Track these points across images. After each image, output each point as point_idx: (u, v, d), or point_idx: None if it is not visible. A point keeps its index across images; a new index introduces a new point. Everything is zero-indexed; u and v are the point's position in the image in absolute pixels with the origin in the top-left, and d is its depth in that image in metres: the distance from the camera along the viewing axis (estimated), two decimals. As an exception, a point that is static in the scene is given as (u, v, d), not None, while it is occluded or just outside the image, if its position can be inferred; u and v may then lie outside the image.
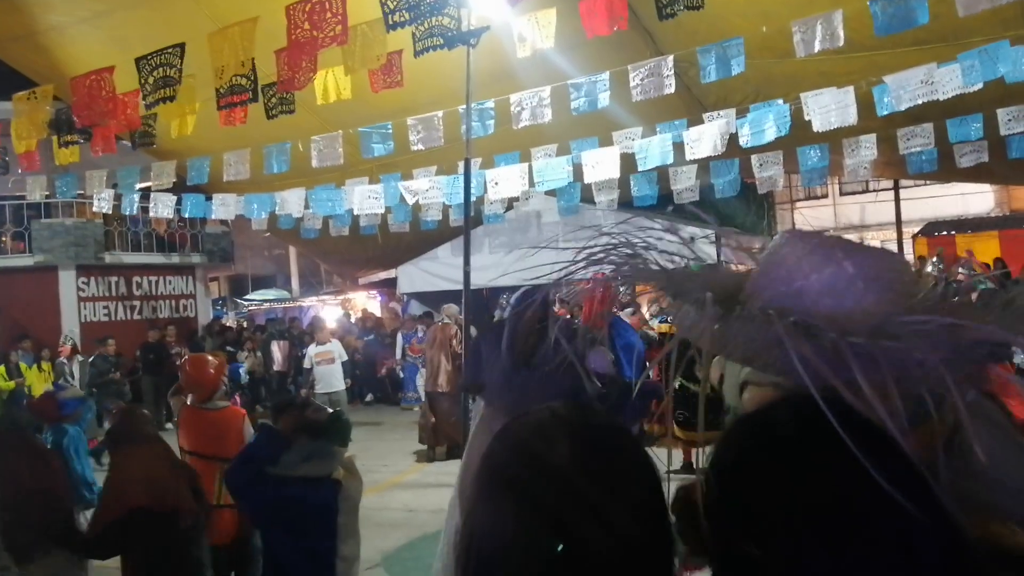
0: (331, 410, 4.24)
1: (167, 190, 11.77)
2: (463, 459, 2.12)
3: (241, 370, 15.73)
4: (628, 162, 9.70)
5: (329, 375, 11.16)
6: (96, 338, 16.68)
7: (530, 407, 1.10)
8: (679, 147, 9.38)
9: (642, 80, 7.55)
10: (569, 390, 1.77)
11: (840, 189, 23.94)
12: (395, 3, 5.37)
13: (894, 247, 19.20)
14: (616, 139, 9.89)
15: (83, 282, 18.08)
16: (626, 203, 12.11)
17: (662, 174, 10.88)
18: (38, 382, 12.83)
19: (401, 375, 15.43)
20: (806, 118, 8.56)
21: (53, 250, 17.48)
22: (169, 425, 15.15)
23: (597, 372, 1.89)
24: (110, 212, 13.31)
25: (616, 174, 9.61)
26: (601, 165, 9.45)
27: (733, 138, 9.12)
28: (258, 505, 3.88)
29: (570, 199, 12.23)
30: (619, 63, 8.15)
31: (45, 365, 13.85)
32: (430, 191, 10.85)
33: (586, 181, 10.09)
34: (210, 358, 5.53)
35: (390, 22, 5.46)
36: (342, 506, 3.81)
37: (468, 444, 2.07)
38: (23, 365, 13.58)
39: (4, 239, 17.91)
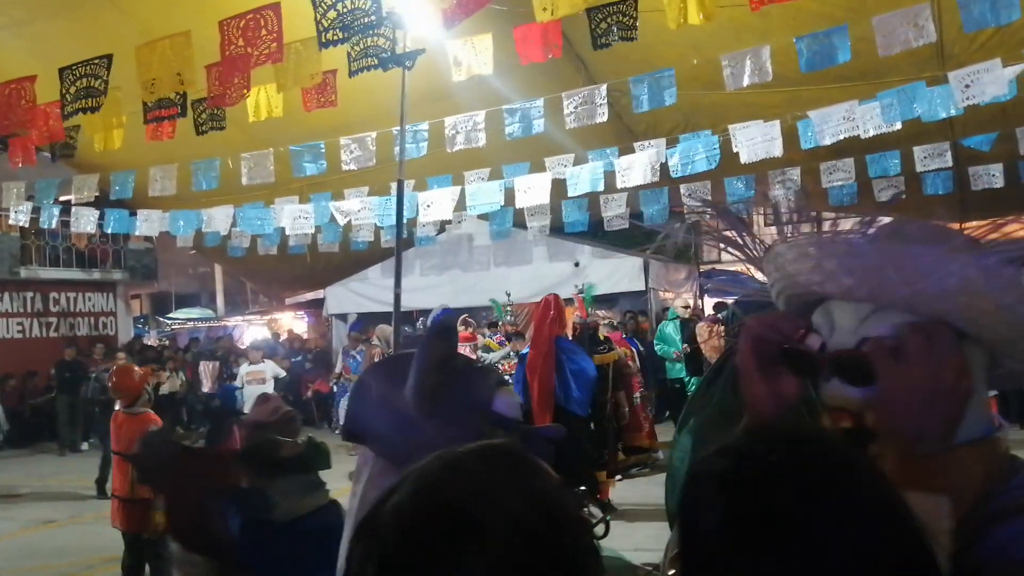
0: (302, 439, 3.92)
1: (89, 204, 11.44)
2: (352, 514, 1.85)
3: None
4: (559, 188, 9.80)
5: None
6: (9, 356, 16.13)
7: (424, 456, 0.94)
8: (610, 174, 9.52)
9: (576, 108, 7.65)
10: (470, 438, 1.70)
11: (764, 220, 24.50)
12: (328, 21, 5.32)
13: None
14: (548, 165, 9.98)
15: (-4, 297, 17.42)
16: (557, 228, 12.24)
17: (593, 200, 11.02)
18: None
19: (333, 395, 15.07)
20: (734, 149, 8.77)
21: (-35, 264, 16.82)
22: (84, 446, 14.69)
23: (503, 417, 1.80)
24: (27, 225, 12.82)
25: (547, 199, 9.70)
26: (533, 190, 9.52)
27: (663, 167, 9.29)
28: (278, 560, 3.56)
29: (502, 223, 12.29)
30: (554, 89, 8.25)
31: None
32: (361, 212, 10.77)
33: (518, 206, 10.15)
34: (136, 368, 6.03)
35: (323, 39, 5.41)
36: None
37: (353, 504, 1.86)
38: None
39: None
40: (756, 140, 8.65)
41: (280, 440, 3.96)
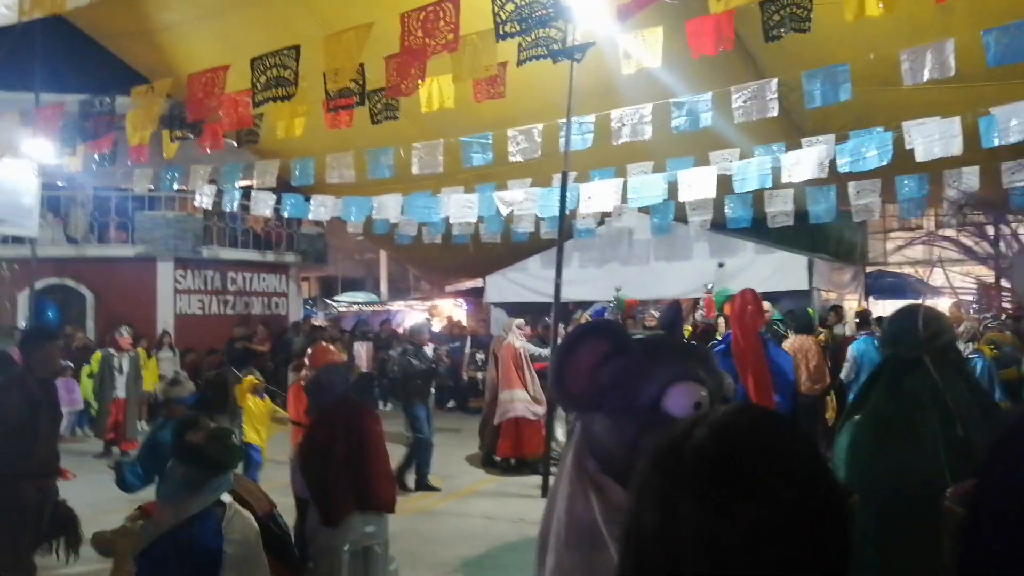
0: (213, 428, 3.64)
1: (266, 189, 12.16)
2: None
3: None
4: (722, 183, 9.66)
5: None
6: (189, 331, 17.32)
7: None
8: (775, 170, 9.32)
9: (745, 102, 7.54)
10: (633, 434, 1.74)
11: (936, 222, 23.25)
12: (506, 14, 5.47)
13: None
14: (713, 159, 9.86)
15: (180, 275, 18.49)
16: (719, 224, 12.06)
17: (757, 196, 10.80)
18: (146, 373, 13.29)
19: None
20: (907, 147, 8.40)
21: (154, 242, 17.99)
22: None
23: (672, 417, 1.78)
24: (210, 208, 13.73)
25: (712, 194, 9.57)
26: (697, 184, 9.43)
27: (831, 164, 9.01)
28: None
29: (663, 217, 12.21)
30: (718, 84, 8.16)
31: (141, 352, 14.40)
32: (524, 203, 10.96)
33: (681, 200, 10.07)
34: (332, 347, 6.42)
35: (501, 32, 5.56)
36: (227, 541, 3.36)
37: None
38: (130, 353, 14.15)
39: (108, 229, 18.60)
40: (933, 137, 8.26)
41: (193, 422, 3.66)
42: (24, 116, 9.87)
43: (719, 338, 9.14)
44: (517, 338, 10.80)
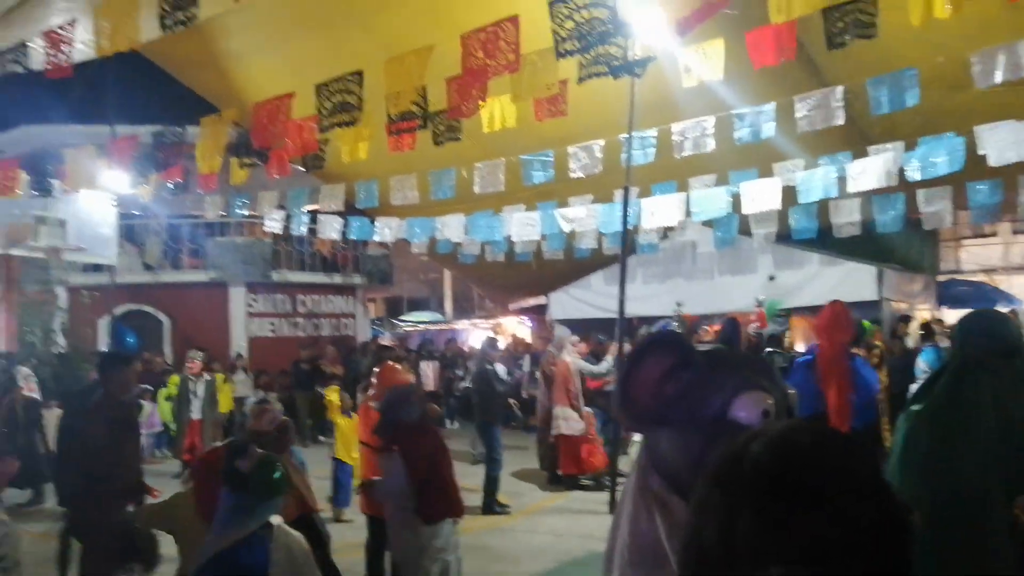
0: (261, 455, 3.66)
1: (333, 212, 12.39)
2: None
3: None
4: (786, 194, 9.54)
5: None
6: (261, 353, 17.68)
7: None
8: (841, 179, 9.16)
9: (809, 111, 7.44)
10: (703, 445, 1.72)
11: (1013, 228, 22.53)
12: (566, 32, 5.50)
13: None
14: (777, 171, 9.75)
15: (251, 298, 19.00)
16: (783, 236, 11.89)
17: (822, 207, 10.62)
18: (222, 396, 13.63)
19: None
20: (979, 152, 8.19)
21: (226, 267, 18.51)
22: (322, 438, 15.87)
23: (742, 425, 1.77)
24: (279, 232, 14.03)
25: (777, 206, 9.45)
26: (761, 197, 9.32)
27: (899, 172, 8.83)
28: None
29: (727, 230, 12.09)
30: (780, 94, 8.07)
31: (218, 377, 14.75)
32: (586, 219, 10.97)
33: (744, 212, 9.95)
34: (399, 367, 6.57)
35: (560, 50, 5.59)
36: (273, 562, 3.41)
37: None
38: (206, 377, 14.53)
39: (182, 255, 19.13)
40: (1007, 142, 8.02)
41: (241, 448, 3.69)
42: (101, 148, 10.22)
43: (801, 350, 9.01)
44: (569, 354, 10.80)
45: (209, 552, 3.39)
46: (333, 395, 9.08)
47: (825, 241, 12.05)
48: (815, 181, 9.25)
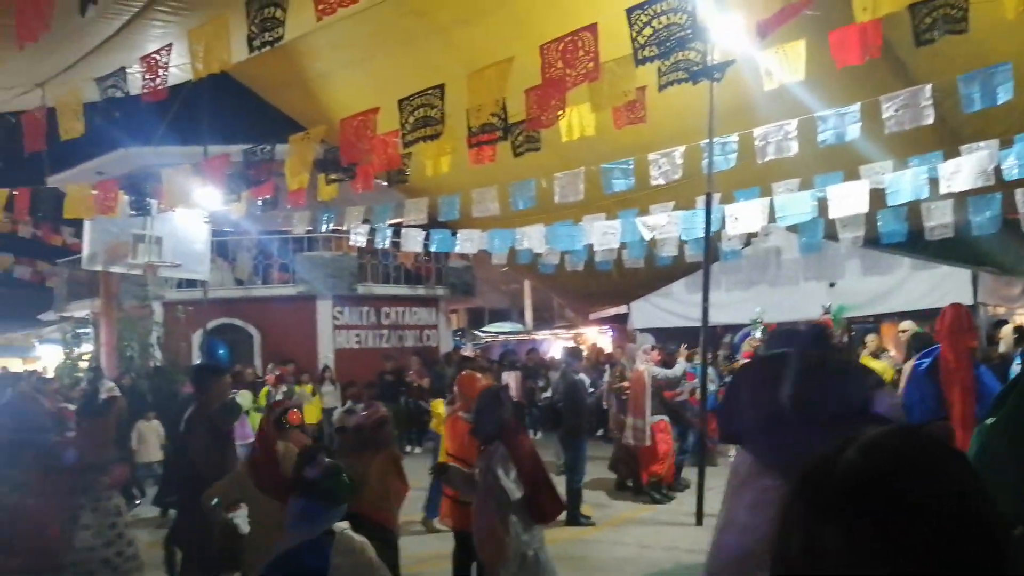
0: (328, 463, 3.79)
1: (416, 225, 12.59)
2: (722, 517, 1.94)
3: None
4: (873, 197, 9.31)
5: None
6: (347, 365, 18.02)
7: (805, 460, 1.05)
8: (932, 181, 8.90)
9: (897, 111, 7.27)
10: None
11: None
12: (644, 39, 5.51)
13: None
14: (864, 173, 9.52)
15: (338, 311, 19.35)
16: (871, 240, 11.58)
17: (912, 209, 10.33)
18: (310, 407, 13.96)
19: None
20: (1081, 148, 7.88)
21: (313, 281, 18.92)
22: (407, 448, 16.08)
23: (882, 417, 1.80)
24: (364, 246, 14.30)
25: (865, 209, 9.23)
26: (848, 200, 9.11)
27: (996, 171, 8.54)
28: None
29: (813, 235, 11.84)
30: (864, 94, 7.90)
31: (307, 388, 15.12)
32: (667, 226, 10.90)
33: (831, 216, 9.74)
34: (479, 375, 6.54)
35: (639, 57, 5.60)
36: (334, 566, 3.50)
37: (726, 501, 1.97)
38: (284, 388, 14.94)
39: (271, 270, 19.65)
40: (1110, 137, 7.71)
41: (313, 455, 3.82)
42: (194, 168, 10.62)
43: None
44: (643, 363, 10.72)
45: (278, 550, 3.56)
46: (439, 407, 9.20)
47: (916, 244, 11.69)
48: (905, 183, 9.01)
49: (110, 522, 5.67)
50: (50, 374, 18.10)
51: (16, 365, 23.57)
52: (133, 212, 10.84)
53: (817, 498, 0.98)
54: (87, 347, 18.76)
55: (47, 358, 23.36)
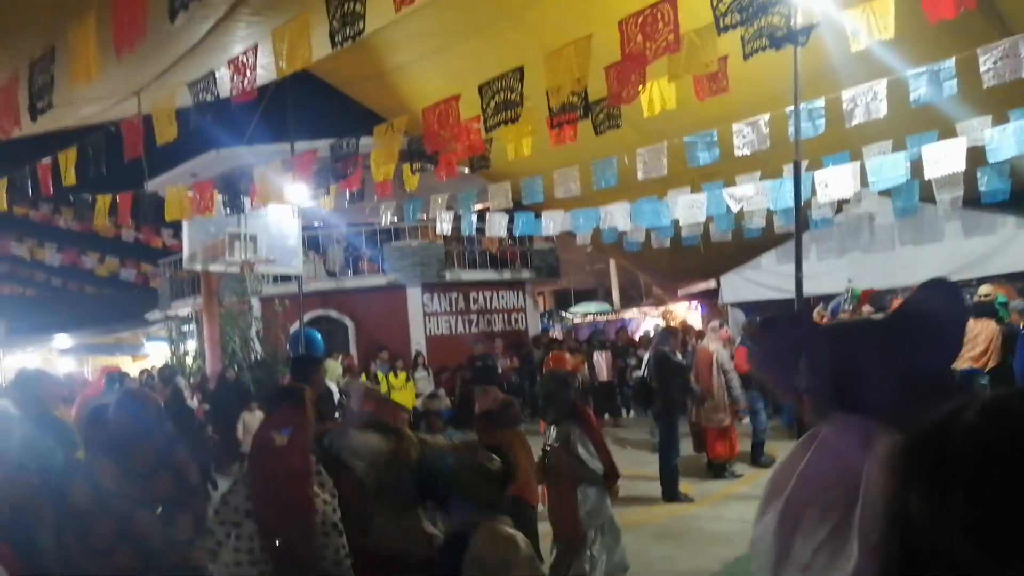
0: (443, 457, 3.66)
1: (499, 210, 12.66)
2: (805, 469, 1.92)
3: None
4: (972, 156, 8.93)
5: None
6: (438, 351, 18.29)
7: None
8: (1036, 135, 8.50)
9: (995, 63, 6.94)
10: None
11: None
12: (725, 6, 5.40)
13: None
14: (960, 130, 9.15)
15: (427, 298, 19.70)
16: (971, 200, 11.12)
17: (1015, 166, 9.90)
18: (402, 391, 14.24)
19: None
20: None
21: (402, 270, 19.26)
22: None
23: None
24: (449, 233, 14.44)
25: (962, 168, 8.86)
26: (944, 159, 8.77)
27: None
28: None
29: (908, 199, 11.45)
30: (956, 49, 7.57)
31: (400, 374, 15.43)
32: (755, 197, 10.69)
33: (927, 177, 9.38)
34: (568, 355, 6.78)
35: (721, 25, 5.50)
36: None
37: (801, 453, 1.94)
38: (380, 374, 15.28)
39: (361, 261, 20.03)
40: None
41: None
42: (284, 164, 10.89)
43: None
44: (712, 341, 10.51)
45: (440, 539, 3.79)
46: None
47: (1021, 202, 11.21)
48: (1006, 138, 8.60)
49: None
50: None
51: (127, 363, 24.67)
52: (228, 211, 11.18)
53: (938, 463, 0.95)
54: (191, 343, 19.48)
55: (155, 355, 24.34)
